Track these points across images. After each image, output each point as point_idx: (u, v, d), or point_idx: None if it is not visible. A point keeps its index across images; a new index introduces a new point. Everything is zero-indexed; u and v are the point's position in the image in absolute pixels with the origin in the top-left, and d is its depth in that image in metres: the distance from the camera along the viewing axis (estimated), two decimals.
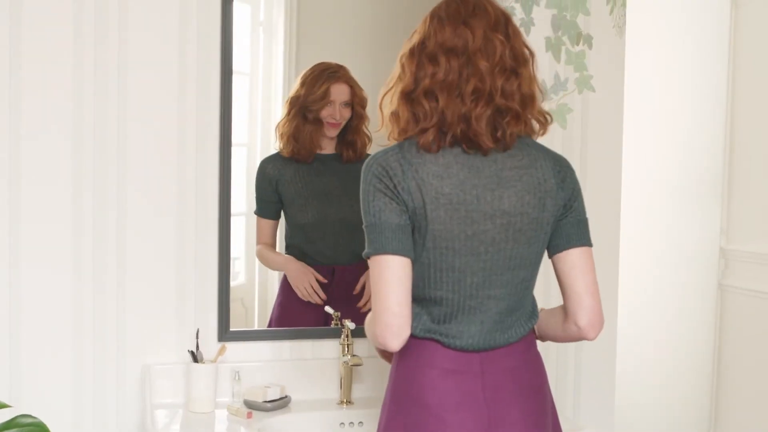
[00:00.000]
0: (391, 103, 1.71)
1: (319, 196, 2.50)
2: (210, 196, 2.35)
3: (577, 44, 2.61)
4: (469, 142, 1.66)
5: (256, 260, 2.56)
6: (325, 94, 2.44)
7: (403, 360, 1.71)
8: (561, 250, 1.75)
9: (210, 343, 2.35)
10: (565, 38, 2.60)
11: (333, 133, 2.48)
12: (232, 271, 2.42)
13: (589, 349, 2.70)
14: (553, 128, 2.61)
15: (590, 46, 2.63)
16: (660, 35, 3.70)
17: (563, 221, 1.74)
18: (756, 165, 3.58)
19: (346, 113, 2.47)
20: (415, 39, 1.71)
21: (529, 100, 1.69)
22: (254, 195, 2.52)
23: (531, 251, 1.72)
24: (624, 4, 2.66)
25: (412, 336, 1.67)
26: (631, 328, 3.63)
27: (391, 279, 1.61)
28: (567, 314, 1.76)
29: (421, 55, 1.68)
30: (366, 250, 1.65)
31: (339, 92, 2.45)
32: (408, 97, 1.68)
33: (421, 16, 1.75)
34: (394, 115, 1.70)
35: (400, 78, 1.71)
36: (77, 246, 2.28)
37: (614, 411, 2.79)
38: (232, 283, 2.42)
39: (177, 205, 2.34)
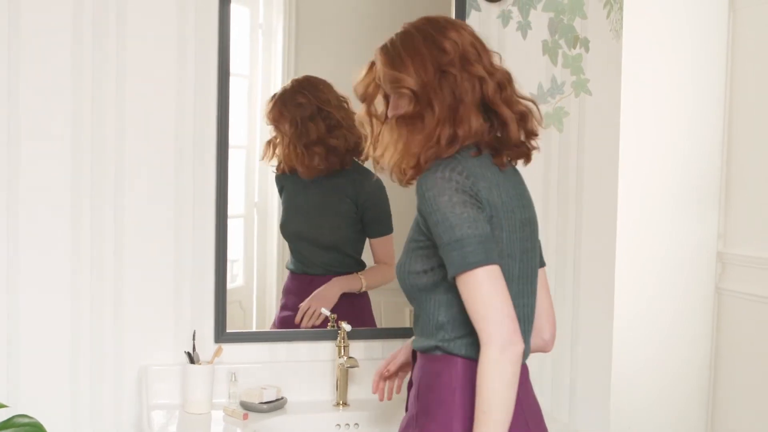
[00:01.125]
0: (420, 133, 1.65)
1: (298, 214, 2.53)
2: (207, 197, 2.36)
3: (574, 47, 2.62)
4: (498, 154, 1.70)
5: (255, 263, 2.57)
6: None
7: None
8: None
9: (206, 345, 2.36)
10: (561, 41, 2.61)
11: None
12: (231, 274, 2.43)
13: (584, 352, 2.70)
14: (550, 131, 2.63)
15: (587, 50, 2.63)
16: (657, 39, 3.71)
17: None
18: (754, 169, 3.59)
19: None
20: (439, 56, 1.66)
21: None
22: (253, 197, 2.55)
23: (538, 259, 1.77)
24: (621, 8, 2.66)
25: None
26: (629, 331, 3.63)
27: (503, 288, 1.57)
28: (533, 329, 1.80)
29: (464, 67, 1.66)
30: (461, 264, 1.56)
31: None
32: (452, 116, 1.65)
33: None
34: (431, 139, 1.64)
35: (430, 103, 1.65)
36: (75, 247, 2.29)
37: (610, 415, 2.80)
38: (231, 286, 2.43)
39: (174, 206, 2.34)
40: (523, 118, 1.71)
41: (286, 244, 2.53)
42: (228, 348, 2.37)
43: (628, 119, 3.05)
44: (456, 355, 1.65)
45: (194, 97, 2.34)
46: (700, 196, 3.76)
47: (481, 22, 2.54)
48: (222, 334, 2.37)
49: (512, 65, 2.54)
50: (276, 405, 2.30)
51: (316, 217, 2.53)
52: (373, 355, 2.47)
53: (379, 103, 1.77)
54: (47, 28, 2.24)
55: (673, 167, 3.77)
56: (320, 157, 2.46)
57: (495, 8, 2.56)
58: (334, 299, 2.49)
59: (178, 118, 2.34)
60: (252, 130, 2.54)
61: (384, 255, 2.54)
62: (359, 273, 2.52)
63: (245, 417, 2.22)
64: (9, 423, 2.10)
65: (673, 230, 3.77)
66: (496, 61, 1.72)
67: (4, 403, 2.19)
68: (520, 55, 2.59)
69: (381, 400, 2.02)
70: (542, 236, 2.63)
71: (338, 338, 2.36)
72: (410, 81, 1.66)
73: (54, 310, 2.28)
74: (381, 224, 2.54)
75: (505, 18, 2.57)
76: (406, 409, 1.80)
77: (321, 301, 2.48)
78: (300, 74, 2.50)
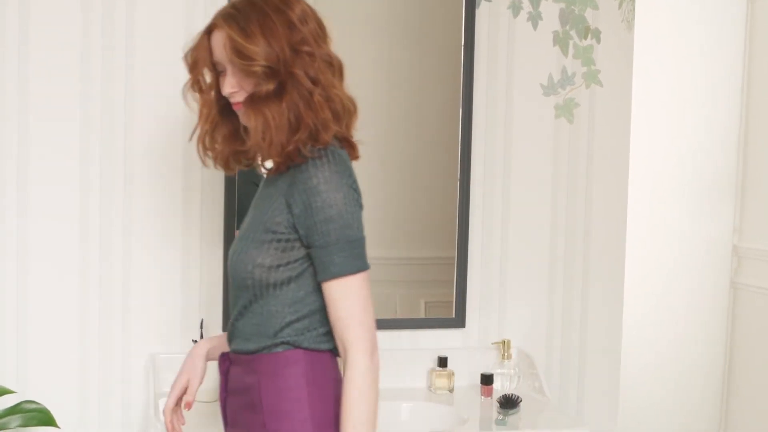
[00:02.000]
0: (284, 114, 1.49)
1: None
2: (216, 187, 2.37)
3: (585, 38, 2.61)
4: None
5: None
6: None
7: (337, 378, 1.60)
8: None
9: (214, 333, 2.36)
10: (572, 32, 2.60)
11: None
12: None
13: (593, 347, 2.69)
14: (560, 123, 2.62)
15: (598, 41, 2.62)
16: (670, 30, 3.66)
17: None
18: None
19: None
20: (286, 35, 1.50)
21: None
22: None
23: None
24: None
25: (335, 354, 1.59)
26: (642, 326, 3.61)
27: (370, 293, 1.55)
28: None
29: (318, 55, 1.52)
30: (347, 267, 1.49)
31: None
32: (309, 102, 1.50)
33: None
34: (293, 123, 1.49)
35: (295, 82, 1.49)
36: (84, 235, 2.30)
37: (618, 411, 2.78)
38: None
39: (183, 196, 2.35)
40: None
41: None
42: None
43: (639, 111, 3.03)
44: (303, 348, 1.55)
45: None
46: (715, 189, 3.72)
47: (491, 12, 2.54)
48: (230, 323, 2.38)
49: (522, 56, 2.58)
50: None
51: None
52: (385, 346, 2.46)
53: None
54: (56, 23, 2.25)
55: (686, 159, 3.73)
56: None
57: None
58: None
59: (186, 111, 2.33)
60: None
61: None
62: None
63: None
64: (17, 409, 2.12)
65: (687, 224, 3.74)
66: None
67: (13, 389, 2.21)
68: (531, 46, 2.58)
69: None
70: (551, 229, 2.64)
71: None
72: (265, 57, 1.48)
73: (62, 298, 2.30)
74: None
75: (516, 8, 2.56)
76: (227, 425, 1.68)
77: None
78: None
